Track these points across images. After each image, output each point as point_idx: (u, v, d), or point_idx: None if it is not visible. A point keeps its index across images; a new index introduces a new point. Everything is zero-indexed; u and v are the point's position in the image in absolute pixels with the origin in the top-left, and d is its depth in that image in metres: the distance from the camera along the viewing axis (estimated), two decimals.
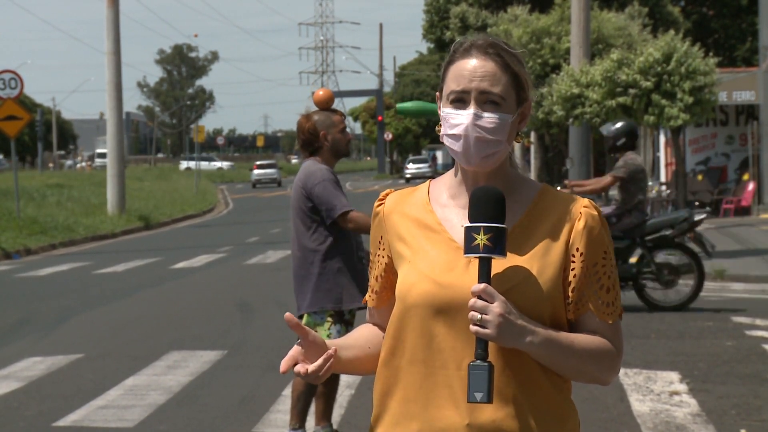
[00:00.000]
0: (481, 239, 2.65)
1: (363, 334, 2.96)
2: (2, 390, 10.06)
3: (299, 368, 2.76)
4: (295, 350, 2.78)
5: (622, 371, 9.98)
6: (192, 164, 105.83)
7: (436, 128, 2.92)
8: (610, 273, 2.80)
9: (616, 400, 8.95)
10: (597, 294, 2.78)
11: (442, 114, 2.82)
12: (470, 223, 2.68)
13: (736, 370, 10.06)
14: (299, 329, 2.75)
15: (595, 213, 2.81)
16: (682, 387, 9.38)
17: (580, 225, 2.79)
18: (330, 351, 2.77)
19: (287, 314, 2.76)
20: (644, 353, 10.94)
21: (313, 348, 2.79)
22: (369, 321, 3.01)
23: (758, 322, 12.90)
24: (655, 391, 9.23)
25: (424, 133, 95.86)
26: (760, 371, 10.02)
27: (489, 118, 2.76)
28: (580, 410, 8.77)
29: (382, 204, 2.94)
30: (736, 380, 9.65)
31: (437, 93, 2.91)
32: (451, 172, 2.90)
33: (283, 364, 2.77)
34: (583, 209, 2.81)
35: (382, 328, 2.94)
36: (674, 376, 9.84)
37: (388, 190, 2.98)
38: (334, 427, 7.88)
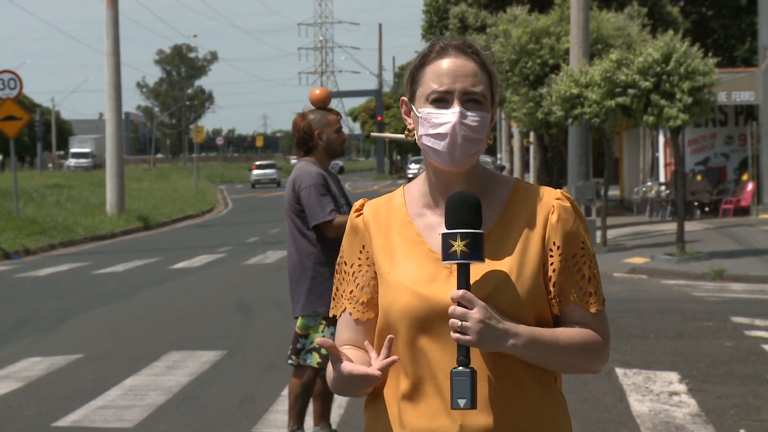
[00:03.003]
0: (458, 246, 2.64)
1: (356, 353, 2.84)
2: (2, 390, 10.06)
3: (372, 371, 2.68)
4: (348, 365, 2.70)
5: (621, 371, 9.98)
6: None
7: (405, 132, 2.89)
8: (590, 262, 2.80)
9: (616, 400, 8.95)
10: (578, 285, 2.78)
11: (421, 115, 2.79)
12: (447, 229, 2.67)
13: (735, 370, 10.06)
14: (333, 350, 2.70)
15: (568, 204, 2.81)
16: (682, 387, 9.39)
17: (554, 218, 2.78)
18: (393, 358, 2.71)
19: (319, 340, 2.73)
20: (643, 353, 10.95)
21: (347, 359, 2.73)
22: (344, 338, 2.87)
23: (757, 322, 12.90)
24: (655, 391, 9.23)
25: None
26: (760, 371, 10.02)
27: (473, 117, 2.76)
28: (580, 410, 8.73)
29: (360, 214, 2.90)
30: (735, 380, 9.65)
31: (403, 98, 2.88)
32: (422, 178, 2.87)
33: (373, 371, 2.67)
34: (555, 202, 2.80)
35: (360, 343, 2.86)
36: (673, 376, 9.84)
37: (362, 200, 2.94)
38: (334, 427, 7.88)
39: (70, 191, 47.45)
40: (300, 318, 7.14)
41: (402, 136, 6.83)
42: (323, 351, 7.06)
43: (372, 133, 7.98)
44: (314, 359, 7.12)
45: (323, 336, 7.07)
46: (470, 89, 2.76)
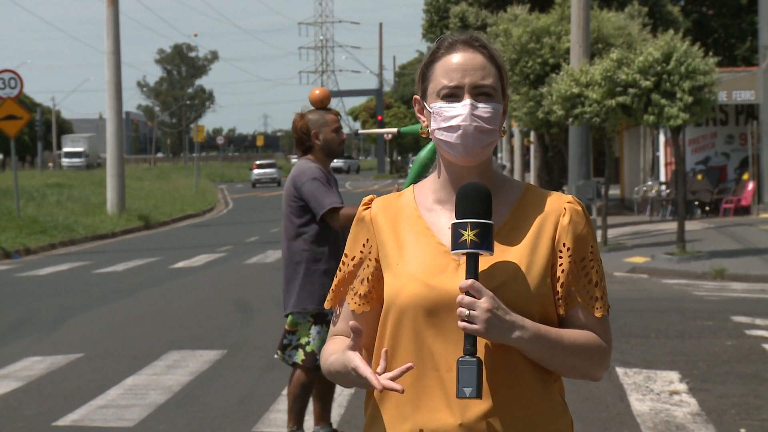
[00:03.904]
0: (468, 235, 2.65)
1: (339, 347, 2.90)
2: (2, 389, 10.06)
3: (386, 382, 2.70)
4: (358, 357, 2.73)
5: (621, 371, 9.98)
6: None
7: (420, 130, 2.91)
8: (598, 268, 2.82)
9: (616, 400, 8.95)
10: (586, 288, 2.79)
11: (432, 110, 2.81)
12: (457, 219, 2.68)
13: (735, 370, 10.06)
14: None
15: (579, 208, 2.83)
16: (682, 386, 9.38)
17: (565, 221, 2.80)
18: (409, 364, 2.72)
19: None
20: (644, 353, 10.94)
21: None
22: (338, 330, 2.94)
23: (758, 321, 12.90)
24: (655, 391, 9.23)
25: None
26: (760, 371, 10.02)
27: (484, 108, 2.78)
28: (580, 410, 8.73)
29: (368, 208, 2.92)
30: (735, 380, 9.65)
31: (415, 97, 2.90)
32: (433, 176, 2.89)
33: (377, 383, 2.68)
34: (567, 205, 2.82)
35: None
36: (674, 375, 9.84)
37: (371, 196, 2.96)
38: (334, 426, 7.88)
39: (70, 191, 47.46)
40: (290, 315, 7.16)
41: (392, 129, 6.84)
42: (308, 348, 7.10)
43: (360, 131, 8.00)
44: (299, 356, 7.15)
45: (309, 334, 7.09)
46: (480, 83, 2.79)
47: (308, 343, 7.10)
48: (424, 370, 2.74)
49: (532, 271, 2.75)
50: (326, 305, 2.96)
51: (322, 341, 7.03)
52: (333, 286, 2.93)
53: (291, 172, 7.29)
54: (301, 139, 7.24)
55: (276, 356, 7.29)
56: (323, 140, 7.22)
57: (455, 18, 39.33)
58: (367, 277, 2.87)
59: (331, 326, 2.97)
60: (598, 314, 2.79)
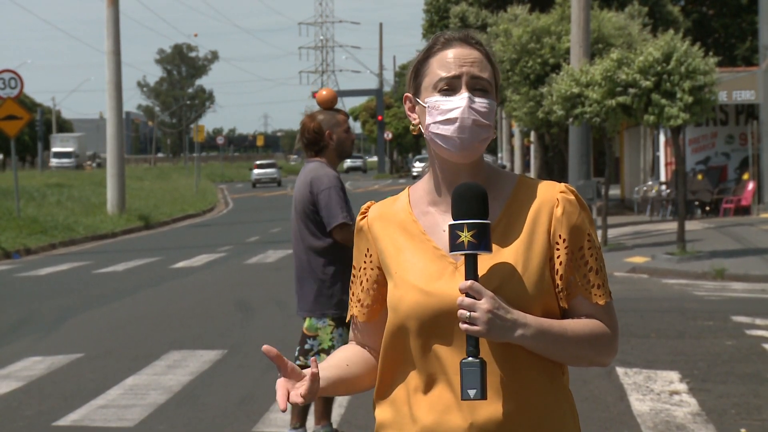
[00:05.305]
0: (465, 236, 2.64)
1: (340, 355, 2.95)
2: (2, 389, 10.06)
3: (294, 398, 2.71)
4: (282, 383, 2.73)
5: (621, 370, 9.98)
6: None
7: (411, 128, 2.89)
8: (597, 255, 2.79)
9: (616, 400, 8.95)
10: (586, 277, 2.77)
11: (428, 104, 2.78)
12: (454, 220, 2.67)
13: (736, 370, 10.06)
14: (279, 360, 2.71)
15: (572, 197, 2.80)
16: (682, 386, 9.38)
17: (558, 212, 2.78)
18: (313, 369, 2.72)
19: (265, 347, 2.72)
20: (644, 353, 10.94)
21: (294, 376, 2.75)
22: (353, 338, 3.00)
23: (758, 321, 12.90)
24: (655, 391, 9.23)
25: None
26: (760, 370, 10.02)
27: (481, 102, 2.76)
28: (581, 409, 8.76)
29: (365, 217, 2.92)
30: (736, 379, 9.65)
31: (406, 94, 2.87)
32: (427, 177, 2.88)
33: (282, 403, 2.71)
34: (559, 195, 2.80)
35: (370, 344, 2.94)
36: (674, 375, 9.84)
37: (369, 203, 2.95)
38: (334, 426, 7.88)
39: (70, 191, 47.47)
40: (308, 319, 7.12)
41: None
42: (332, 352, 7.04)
43: None
44: (323, 360, 7.10)
45: (332, 338, 7.06)
46: (478, 74, 2.77)
47: (332, 346, 7.04)
48: (432, 374, 2.75)
49: (530, 266, 2.74)
50: (348, 318, 2.99)
51: (345, 344, 7.00)
52: (350, 298, 2.96)
53: (305, 175, 7.14)
54: (314, 140, 7.18)
55: (298, 362, 7.21)
56: (336, 140, 7.19)
57: (455, 18, 39.34)
58: (372, 286, 2.89)
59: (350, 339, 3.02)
60: (600, 301, 2.78)
